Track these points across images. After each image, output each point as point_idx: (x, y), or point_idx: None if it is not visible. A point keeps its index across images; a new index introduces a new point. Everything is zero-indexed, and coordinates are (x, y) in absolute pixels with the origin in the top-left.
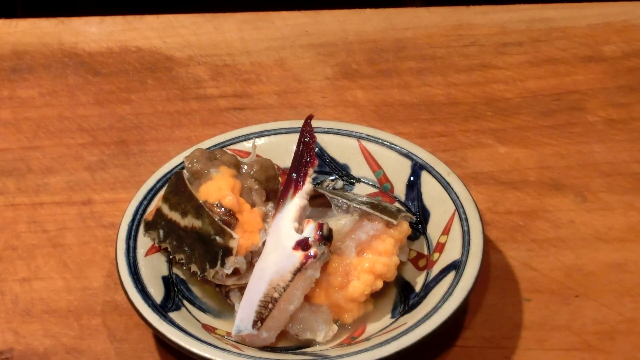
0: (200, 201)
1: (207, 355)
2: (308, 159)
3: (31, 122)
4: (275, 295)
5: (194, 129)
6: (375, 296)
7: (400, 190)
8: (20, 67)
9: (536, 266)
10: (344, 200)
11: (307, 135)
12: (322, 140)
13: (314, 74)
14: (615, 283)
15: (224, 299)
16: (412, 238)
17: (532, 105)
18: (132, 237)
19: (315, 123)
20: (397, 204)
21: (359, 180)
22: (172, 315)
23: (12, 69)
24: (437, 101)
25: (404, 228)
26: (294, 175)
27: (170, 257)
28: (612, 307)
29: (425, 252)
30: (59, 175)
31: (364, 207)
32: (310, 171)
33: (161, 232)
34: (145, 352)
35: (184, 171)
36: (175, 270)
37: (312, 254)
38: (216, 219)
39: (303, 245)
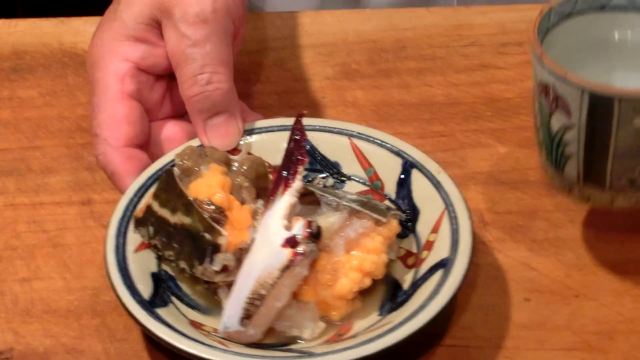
0: (190, 198)
1: (192, 351)
2: (298, 157)
3: (31, 122)
4: (263, 292)
5: None
6: (364, 294)
7: (390, 189)
8: (20, 67)
9: (536, 266)
10: (334, 198)
11: (297, 133)
12: (314, 138)
13: (314, 74)
14: (615, 283)
15: (213, 295)
16: (401, 236)
17: (532, 105)
18: (121, 234)
19: (306, 121)
20: (387, 202)
21: (349, 178)
22: (160, 311)
23: (12, 69)
24: (437, 101)
25: (393, 226)
26: (284, 173)
27: (160, 253)
28: (612, 307)
29: (415, 250)
30: (59, 175)
31: (354, 205)
32: (301, 169)
33: (151, 228)
34: (145, 352)
35: (175, 168)
36: (164, 266)
37: (300, 252)
38: (205, 216)
39: (291, 242)
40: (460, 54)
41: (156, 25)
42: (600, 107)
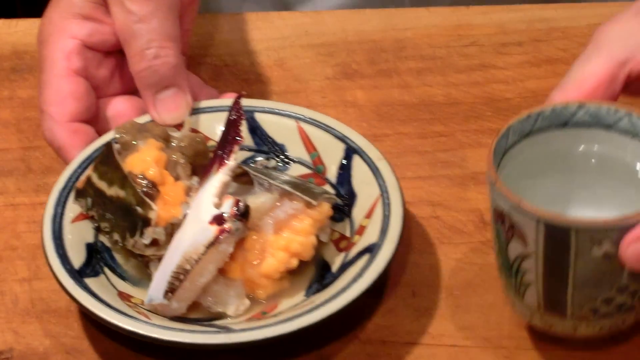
0: (125, 172)
1: (112, 320)
2: (235, 137)
3: (31, 122)
4: (187, 267)
5: None
6: (293, 274)
7: (332, 173)
8: (20, 67)
9: None
10: (266, 179)
11: (235, 113)
12: (262, 119)
13: (314, 74)
14: None
15: (145, 268)
16: (337, 219)
17: (532, 105)
18: (60, 204)
19: (255, 103)
20: (327, 186)
21: (294, 161)
22: (88, 280)
23: (12, 69)
24: (437, 101)
25: (324, 209)
26: (220, 152)
27: (97, 225)
28: None
29: (348, 235)
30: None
31: (286, 187)
32: (236, 148)
33: (89, 200)
34: (145, 352)
35: (115, 142)
36: (101, 238)
37: (226, 229)
38: (138, 190)
39: (218, 220)
40: (460, 54)
41: (103, 3)
42: (557, 237)
